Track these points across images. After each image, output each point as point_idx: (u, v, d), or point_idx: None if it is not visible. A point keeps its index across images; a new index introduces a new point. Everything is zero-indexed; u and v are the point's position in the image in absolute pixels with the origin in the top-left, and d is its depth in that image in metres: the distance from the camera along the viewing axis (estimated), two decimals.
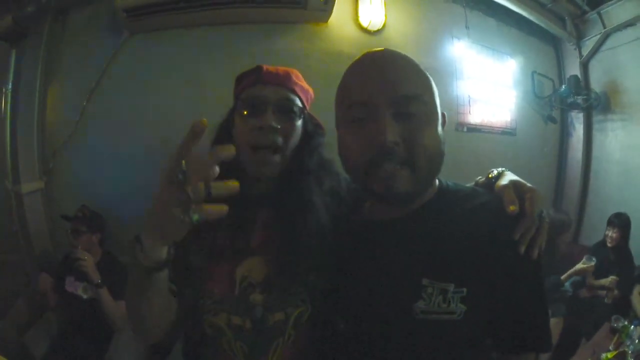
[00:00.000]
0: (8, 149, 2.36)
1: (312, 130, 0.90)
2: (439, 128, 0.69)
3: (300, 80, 0.89)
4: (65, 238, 2.12)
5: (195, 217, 0.52)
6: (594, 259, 2.52)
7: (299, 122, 0.86)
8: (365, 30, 2.65)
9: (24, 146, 2.37)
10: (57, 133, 2.43)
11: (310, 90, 0.92)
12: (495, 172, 0.76)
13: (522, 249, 0.63)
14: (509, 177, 0.72)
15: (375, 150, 0.63)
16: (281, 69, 0.87)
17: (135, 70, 2.39)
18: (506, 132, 3.25)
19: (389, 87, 0.64)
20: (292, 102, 0.85)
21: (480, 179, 0.79)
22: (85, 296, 2.01)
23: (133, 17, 2.26)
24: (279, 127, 0.81)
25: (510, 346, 0.68)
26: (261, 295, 0.80)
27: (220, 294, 0.80)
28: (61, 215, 2.17)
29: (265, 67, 0.86)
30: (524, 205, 0.65)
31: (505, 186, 0.69)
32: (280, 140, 0.82)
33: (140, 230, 0.61)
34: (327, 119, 0.85)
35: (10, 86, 2.37)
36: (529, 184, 0.69)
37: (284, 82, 0.85)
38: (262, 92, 0.84)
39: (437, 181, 0.74)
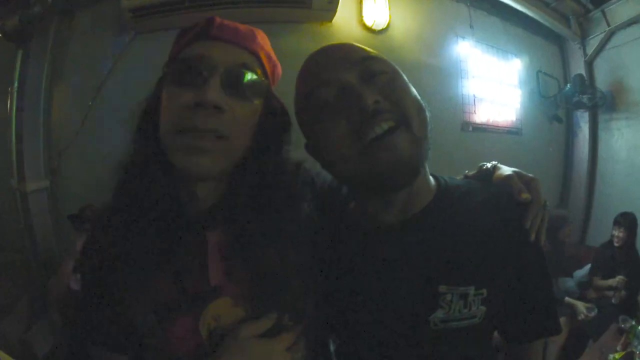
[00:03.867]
0: (14, 147, 2.37)
1: (277, 117, 0.64)
2: (410, 84, 0.62)
3: (267, 43, 0.64)
4: (71, 237, 2.12)
5: None
6: (596, 310, 2.48)
7: (258, 103, 0.60)
8: (369, 30, 2.66)
9: (30, 145, 2.38)
10: (62, 132, 2.44)
11: (279, 64, 0.67)
12: (488, 165, 0.73)
13: (533, 235, 0.61)
14: (506, 168, 0.70)
15: (358, 118, 0.55)
16: (243, 25, 0.62)
17: (140, 70, 2.39)
18: (512, 132, 3.24)
19: (342, 56, 0.60)
20: (252, 70, 0.59)
21: (469, 172, 0.75)
22: None
23: (138, 17, 2.28)
24: (225, 106, 0.55)
25: (523, 336, 0.66)
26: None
27: (188, 356, 0.60)
28: (68, 215, 2.16)
29: (219, 18, 0.60)
30: (531, 193, 0.64)
31: (509, 176, 0.66)
32: (225, 126, 0.55)
33: None
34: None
35: (16, 85, 2.39)
36: (529, 174, 0.68)
37: (244, 41, 0.60)
38: (207, 51, 0.57)
39: (431, 179, 0.67)
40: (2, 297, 2.22)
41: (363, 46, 0.63)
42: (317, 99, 0.58)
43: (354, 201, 0.70)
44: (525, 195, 0.62)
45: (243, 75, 0.58)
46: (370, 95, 0.55)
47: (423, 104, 0.60)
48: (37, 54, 2.42)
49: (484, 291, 0.59)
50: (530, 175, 0.67)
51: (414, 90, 0.61)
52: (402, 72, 0.62)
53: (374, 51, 0.62)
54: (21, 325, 2.16)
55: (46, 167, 2.43)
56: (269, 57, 0.64)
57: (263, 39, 0.64)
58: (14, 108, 2.40)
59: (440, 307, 0.58)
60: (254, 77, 0.59)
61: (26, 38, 2.36)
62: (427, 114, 0.60)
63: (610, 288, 2.59)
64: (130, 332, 0.60)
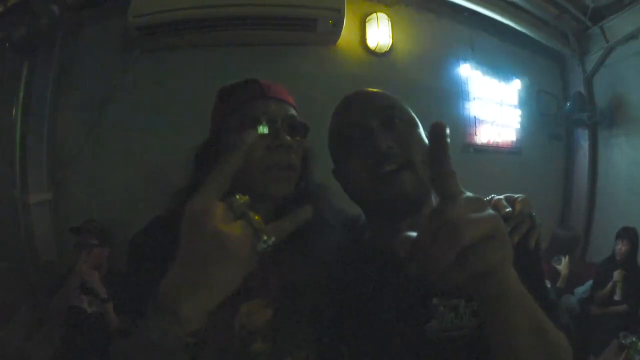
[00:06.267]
0: (17, 159, 2.38)
1: (308, 151, 0.84)
2: (424, 134, 0.75)
3: (289, 93, 0.85)
4: (73, 251, 2.12)
5: (271, 240, 0.45)
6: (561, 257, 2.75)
7: (304, 139, 0.81)
8: (372, 53, 2.71)
9: (34, 157, 2.40)
10: (67, 145, 2.46)
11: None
12: (487, 198, 0.81)
13: (515, 239, 0.68)
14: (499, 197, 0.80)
15: (373, 158, 0.68)
16: (274, 84, 0.82)
17: (145, 86, 2.43)
18: (512, 152, 3.27)
19: (370, 103, 0.74)
20: (297, 118, 0.81)
21: None
22: (90, 310, 2.01)
23: (145, 35, 2.31)
24: (292, 145, 0.76)
25: None
26: (264, 344, 0.71)
27: (218, 345, 0.69)
28: (70, 227, 2.16)
29: (260, 80, 0.80)
30: (514, 207, 0.73)
31: (497, 199, 0.76)
32: (294, 159, 0.77)
33: None
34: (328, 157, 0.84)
35: (22, 97, 2.41)
36: (516, 195, 0.78)
37: (284, 97, 0.81)
38: (268, 107, 0.77)
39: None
40: (1, 307, 2.22)
41: (391, 95, 0.77)
42: (345, 136, 0.74)
43: (369, 231, 0.81)
44: (507, 209, 0.71)
45: (295, 122, 0.79)
46: (385, 140, 0.68)
47: None
48: (44, 65, 2.45)
49: (473, 304, 0.65)
50: (518, 195, 0.77)
51: (424, 138, 0.73)
52: (418, 122, 0.76)
53: (398, 101, 0.76)
54: (20, 336, 2.14)
55: (50, 179, 2.44)
56: (295, 104, 0.82)
57: (286, 90, 0.83)
58: (19, 119, 2.43)
59: (434, 317, 0.65)
60: (300, 122, 0.79)
61: (33, 49, 2.39)
62: None
63: (611, 290, 2.64)
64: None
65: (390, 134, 0.70)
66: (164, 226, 0.72)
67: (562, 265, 2.89)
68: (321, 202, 0.82)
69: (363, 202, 0.75)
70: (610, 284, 2.64)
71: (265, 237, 0.44)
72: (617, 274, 2.63)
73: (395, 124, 0.72)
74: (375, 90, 0.79)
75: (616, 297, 2.60)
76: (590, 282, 2.83)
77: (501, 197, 0.78)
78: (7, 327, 2.15)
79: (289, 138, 0.75)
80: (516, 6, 3.01)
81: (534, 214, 0.73)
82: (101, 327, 1.97)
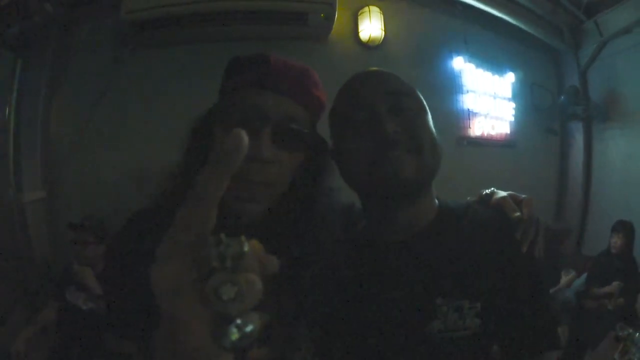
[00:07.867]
0: (11, 157, 2.37)
1: (320, 156, 0.70)
2: (432, 123, 0.72)
3: (317, 86, 0.68)
4: (69, 247, 2.11)
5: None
6: (572, 270, 2.63)
7: (301, 151, 0.65)
8: (364, 46, 2.71)
9: (28, 155, 2.39)
10: (61, 144, 2.45)
11: (323, 96, 0.70)
12: (487, 191, 0.80)
13: (525, 247, 0.66)
14: (502, 192, 0.77)
15: (378, 142, 0.64)
16: (295, 66, 0.65)
17: (139, 83, 2.42)
18: (506, 145, 3.27)
19: (380, 86, 0.69)
20: (301, 124, 0.63)
21: (471, 199, 0.82)
22: (85, 307, 2.00)
23: (138, 31, 2.31)
24: (275, 159, 0.60)
25: (521, 351, 0.67)
26: (260, 349, 0.65)
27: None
28: (68, 223, 2.15)
29: (273, 59, 0.62)
30: (522, 211, 0.70)
31: (502, 198, 0.74)
32: (273, 176, 0.61)
33: None
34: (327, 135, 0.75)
35: (15, 95, 2.40)
36: (521, 195, 0.75)
37: (296, 91, 0.63)
38: (261, 101, 0.60)
39: (436, 201, 0.74)
40: None
41: (401, 79, 0.72)
42: (350, 117, 0.68)
43: (363, 220, 0.77)
44: (517, 214, 0.69)
45: (291, 131, 0.62)
46: (392, 125, 0.65)
47: (438, 142, 0.69)
48: (37, 64, 2.44)
49: (478, 305, 0.63)
50: (523, 195, 0.74)
51: (432, 128, 0.70)
52: (427, 109, 0.72)
53: (410, 85, 0.72)
54: (16, 335, 2.13)
55: (43, 178, 2.43)
56: (318, 101, 0.68)
57: (315, 81, 0.67)
58: (12, 117, 2.41)
59: (437, 318, 0.63)
60: (301, 130, 0.63)
61: (26, 47, 2.37)
62: (440, 150, 0.69)
63: (606, 295, 2.60)
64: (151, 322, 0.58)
65: (397, 119, 0.66)
66: (146, 222, 0.64)
67: (564, 281, 2.89)
68: (327, 226, 0.70)
69: (360, 186, 0.71)
70: (607, 289, 2.62)
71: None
72: (615, 285, 2.59)
73: (404, 109, 0.68)
74: (386, 71, 0.73)
75: (609, 307, 2.57)
76: (586, 275, 2.84)
77: (505, 194, 0.75)
78: (2, 328, 2.14)
79: (270, 149, 0.59)
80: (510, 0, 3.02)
81: (540, 218, 0.71)
82: (96, 325, 1.96)
